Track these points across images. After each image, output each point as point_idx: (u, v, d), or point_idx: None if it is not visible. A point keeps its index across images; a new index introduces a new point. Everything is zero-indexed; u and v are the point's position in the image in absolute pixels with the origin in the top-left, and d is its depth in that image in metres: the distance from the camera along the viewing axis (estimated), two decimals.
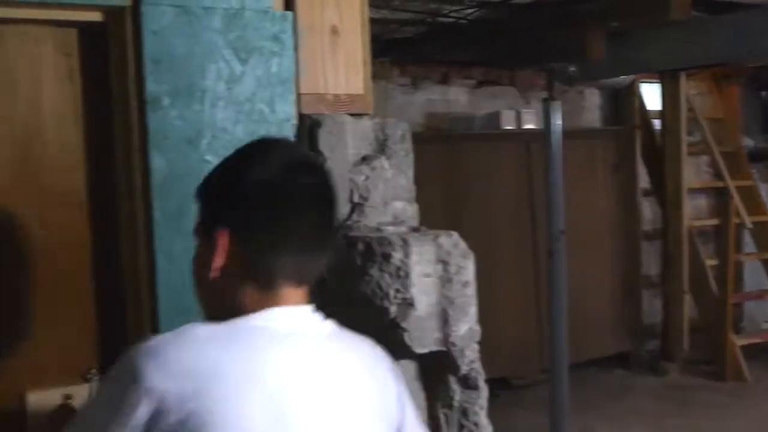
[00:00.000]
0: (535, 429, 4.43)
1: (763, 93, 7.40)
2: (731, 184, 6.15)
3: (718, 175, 6.50)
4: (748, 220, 5.96)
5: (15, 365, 1.70)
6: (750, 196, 6.37)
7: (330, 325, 1.21)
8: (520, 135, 5.61)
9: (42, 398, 1.68)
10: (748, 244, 6.61)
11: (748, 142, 7.17)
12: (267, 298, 1.13)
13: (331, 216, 1.20)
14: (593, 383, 5.80)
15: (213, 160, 1.68)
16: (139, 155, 1.66)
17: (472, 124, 5.75)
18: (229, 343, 1.07)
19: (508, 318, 5.34)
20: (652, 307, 6.45)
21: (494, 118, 5.63)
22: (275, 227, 1.14)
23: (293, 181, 1.15)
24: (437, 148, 5.29)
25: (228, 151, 1.68)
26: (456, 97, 5.97)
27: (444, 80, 5.88)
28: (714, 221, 6.46)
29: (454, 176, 5.39)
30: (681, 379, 5.92)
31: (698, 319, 6.12)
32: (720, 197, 6.58)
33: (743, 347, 5.64)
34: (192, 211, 1.64)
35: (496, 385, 5.25)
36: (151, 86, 1.64)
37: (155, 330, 1.64)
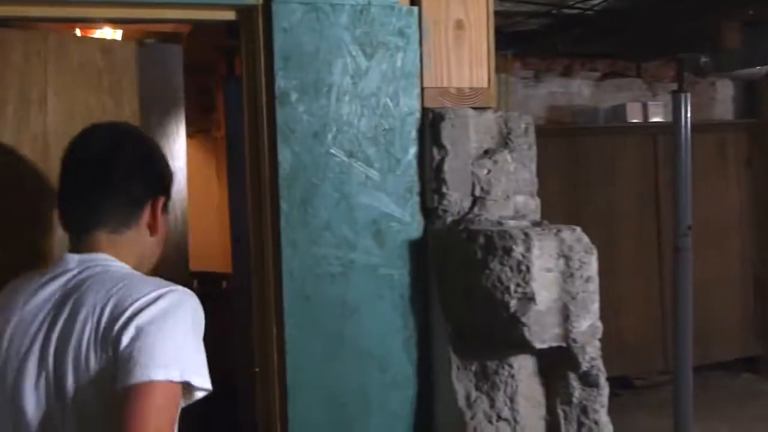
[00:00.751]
0: (656, 430, 4.31)
1: None
2: None
3: None
4: None
5: None
6: None
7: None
8: (646, 128, 5.46)
9: None
10: None
11: None
12: None
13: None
14: (718, 387, 5.58)
15: (338, 154, 1.73)
16: (268, 148, 1.72)
17: (596, 117, 5.63)
18: None
19: (630, 316, 5.21)
20: None
21: (619, 110, 5.50)
22: None
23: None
24: (559, 142, 5.21)
25: (353, 145, 1.75)
26: (579, 90, 5.86)
27: (567, 73, 5.78)
28: None
29: (576, 170, 5.31)
30: None
31: None
32: None
33: None
34: (317, 203, 1.71)
35: (617, 384, 5.14)
36: (281, 82, 1.70)
37: (279, 317, 1.70)
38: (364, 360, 1.72)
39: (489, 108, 1.85)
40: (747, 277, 5.91)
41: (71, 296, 1.33)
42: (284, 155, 1.70)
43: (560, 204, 5.06)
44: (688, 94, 3.87)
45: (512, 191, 1.76)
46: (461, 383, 1.60)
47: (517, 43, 5.00)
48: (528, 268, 1.51)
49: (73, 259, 1.39)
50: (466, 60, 1.88)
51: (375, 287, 1.73)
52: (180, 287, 1.33)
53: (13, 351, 1.33)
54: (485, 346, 1.61)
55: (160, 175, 1.50)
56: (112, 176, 1.43)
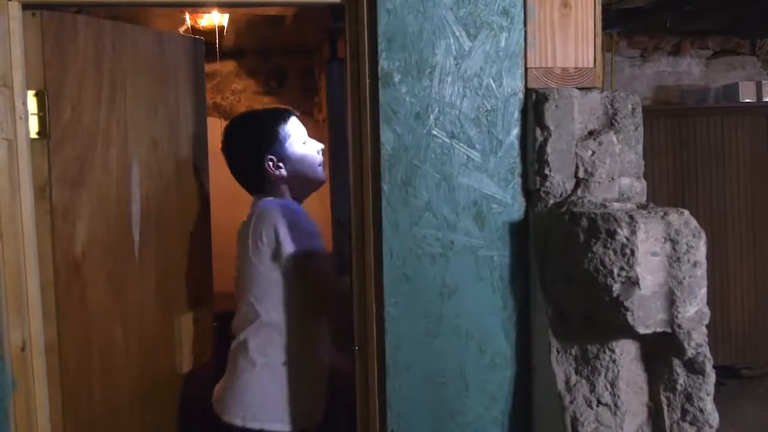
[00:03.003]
0: (763, 422, 4.16)
1: None
2: None
3: None
4: None
5: None
6: None
7: None
8: (759, 108, 5.22)
9: None
10: None
11: None
12: None
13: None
14: None
15: (440, 134, 1.74)
16: (371, 130, 1.74)
17: (706, 96, 5.43)
18: None
19: (739, 304, 5.03)
20: None
21: (731, 90, 5.28)
22: None
23: None
24: (667, 123, 5.05)
25: (454, 126, 1.75)
26: (688, 69, 5.66)
27: (676, 51, 5.59)
28: None
29: (684, 152, 5.14)
30: None
31: None
32: None
33: None
34: (418, 184, 1.72)
35: (723, 373, 4.98)
36: (384, 63, 1.72)
37: (379, 297, 1.73)
38: (462, 340, 1.73)
39: (595, 88, 1.81)
40: None
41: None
42: (386, 136, 1.72)
43: (667, 187, 4.92)
44: None
45: (617, 173, 1.73)
46: (561, 366, 1.59)
47: (623, 21, 4.86)
48: (632, 252, 1.48)
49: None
50: (572, 39, 1.84)
51: (475, 268, 1.74)
52: None
53: None
54: (586, 330, 1.59)
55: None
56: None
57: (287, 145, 2.22)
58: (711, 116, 5.19)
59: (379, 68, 1.72)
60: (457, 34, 1.76)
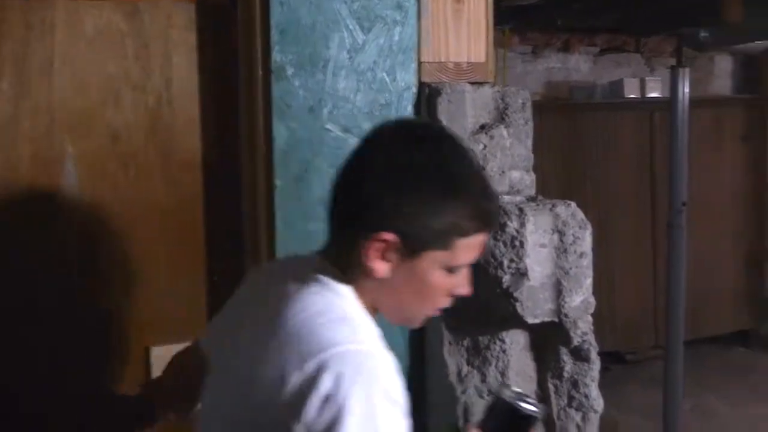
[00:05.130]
0: (647, 405, 4.35)
1: None
2: None
3: None
4: None
5: (140, 319, 1.81)
6: None
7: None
8: (643, 104, 5.45)
9: (165, 352, 1.76)
10: None
11: None
12: None
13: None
14: (711, 361, 5.62)
15: (333, 129, 1.73)
16: (263, 123, 1.72)
17: (594, 92, 5.62)
18: None
19: (623, 291, 5.23)
20: None
21: (617, 86, 5.49)
22: None
23: None
24: (557, 118, 5.20)
25: (349, 120, 1.74)
26: (577, 66, 5.84)
27: (565, 48, 5.76)
28: None
29: (573, 146, 5.30)
30: None
31: None
32: None
33: None
34: (311, 178, 1.71)
35: (609, 359, 5.17)
36: (277, 56, 1.70)
37: None
38: None
39: (486, 83, 1.85)
40: (740, 253, 5.94)
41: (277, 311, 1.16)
42: (279, 131, 1.70)
43: (557, 179, 5.07)
44: (687, 69, 3.85)
45: (508, 166, 1.76)
46: (453, 358, 1.61)
47: (515, 17, 4.97)
48: (522, 244, 1.52)
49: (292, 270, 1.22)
50: (465, 34, 1.87)
51: None
52: None
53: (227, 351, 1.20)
54: (478, 322, 1.63)
55: (393, 203, 1.16)
56: (349, 196, 1.19)
57: None
58: (598, 111, 5.38)
59: (272, 61, 1.70)
60: (351, 27, 1.76)
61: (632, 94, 5.44)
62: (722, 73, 6.33)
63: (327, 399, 0.98)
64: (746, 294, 5.91)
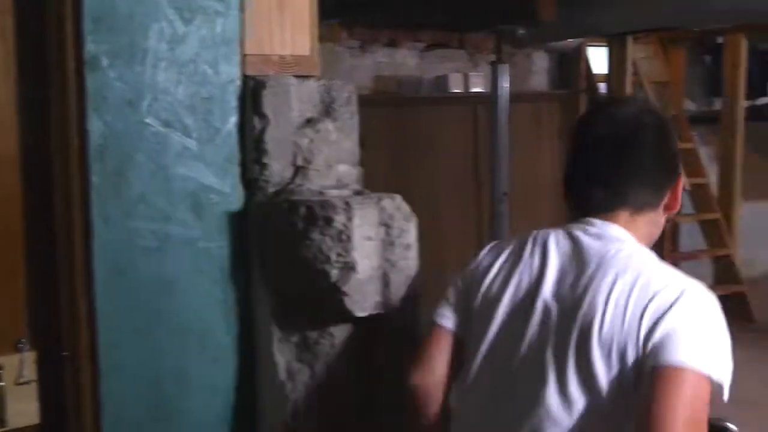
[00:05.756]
0: None
1: (707, 57, 7.52)
2: None
3: None
4: (687, 183, 6.10)
5: None
6: (690, 159, 6.51)
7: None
8: (467, 98, 5.64)
9: None
10: (686, 205, 6.77)
11: (689, 106, 7.31)
12: None
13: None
14: None
15: (153, 123, 1.66)
16: (77, 117, 1.62)
17: (420, 87, 5.75)
18: None
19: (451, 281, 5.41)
20: None
21: (442, 81, 5.64)
22: None
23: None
24: (385, 112, 5.29)
25: (169, 114, 1.68)
26: (404, 60, 5.96)
27: (392, 43, 5.86)
28: None
29: (402, 139, 5.41)
30: None
31: None
32: None
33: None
34: (131, 174, 1.63)
35: None
36: (90, 46, 1.60)
37: (89, 295, 1.62)
38: (182, 336, 1.68)
39: (312, 76, 1.83)
40: None
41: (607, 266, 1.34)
42: (95, 124, 1.61)
43: (387, 172, 5.15)
44: (506, 65, 4.03)
45: (334, 161, 1.76)
46: (282, 355, 1.59)
47: (344, 12, 5.00)
48: (349, 238, 1.52)
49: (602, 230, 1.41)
50: (289, 27, 1.84)
51: (193, 261, 1.68)
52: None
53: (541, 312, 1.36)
54: (308, 318, 1.61)
55: (678, 154, 1.51)
56: (642, 162, 1.43)
57: None
58: (425, 105, 5.51)
59: (86, 51, 1.60)
60: (171, 17, 1.69)
61: (457, 89, 5.62)
62: (539, 69, 6.67)
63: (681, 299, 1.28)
64: None
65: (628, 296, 1.28)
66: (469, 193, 5.68)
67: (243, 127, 1.75)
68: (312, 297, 1.59)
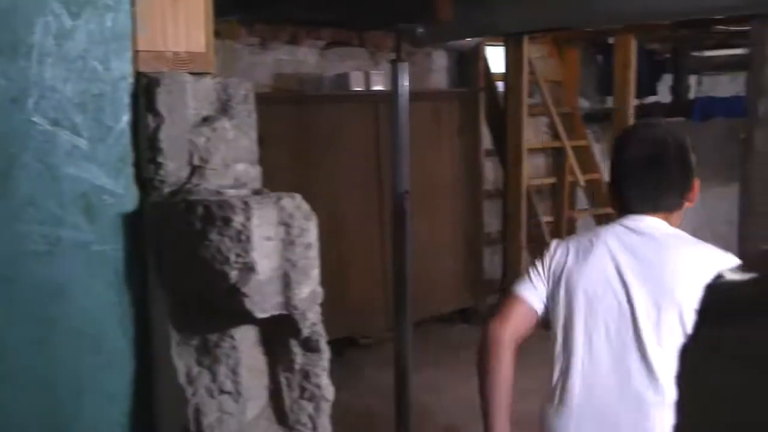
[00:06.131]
0: (381, 385, 4.54)
1: (599, 57, 7.79)
2: (567, 144, 6.47)
3: (555, 136, 6.82)
4: (581, 179, 6.30)
5: None
6: (584, 156, 6.73)
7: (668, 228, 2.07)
8: (368, 96, 5.66)
9: None
10: (581, 201, 7.00)
11: (583, 104, 7.55)
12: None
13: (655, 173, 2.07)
14: (438, 338, 6.01)
15: (41, 122, 1.59)
16: None
17: (321, 85, 5.75)
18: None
19: (355, 278, 5.42)
20: (493, 263, 6.73)
21: (343, 79, 5.65)
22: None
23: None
24: (286, 110, 5.25)
25: (58, 112, 1.61)
26: (305, 58, 5.93)
27: (293, 41, 5.83)
28: (551, 180, 6.78)
29: (303, 138, 5.38)
30: None
31: None
32: (557, 157, 6.91)
33: None
34: (17, 175, 1.56)
35: (343, 344, 5.33)
36: None
37: None
38: (76, 342, 1.62)
39: (208, 74, 1.79)
40: (461, 237, 6.38)
41: (667, 248, 1.97)
42: None
43: (288, 171, 5.11)
44: (406, 64, 4.05)
45: (232, 159, 1.73)
46: (181, 359, 1.56)
47: (243, 9, 4.94)
48: (248, 238, 1.49)
49: (652, 225, 2.03)
50: (183, 23, 1.80)
51: (86, 265, 1.63)
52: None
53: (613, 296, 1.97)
54: (207, 320, 1.58)
55: (693, 164, 2.04)
56: (669, 173, 2.03)
57: None
58: (326, 103, 5.51)
59: None
60: (57, 11, 1.62)
61: (358, 87, 5.64)
62: (439, 68, 6.76)
63: None
64: (467, 275, 6.37)
65: (692, 263, 1.87)
66: (370, 191, 5.71)
67: (136, 125, 1.70)
68: (211, 299, 1.56)
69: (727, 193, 7.72)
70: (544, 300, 2.14)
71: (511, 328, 2.12)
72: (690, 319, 1.72)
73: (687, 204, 2.05)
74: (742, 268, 1.00)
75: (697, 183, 2.08)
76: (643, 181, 2.05)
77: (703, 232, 8.59)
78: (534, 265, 2.18)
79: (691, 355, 0.73)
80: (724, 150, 7.55)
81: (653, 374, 1.86)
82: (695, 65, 7.60)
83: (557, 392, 2.10)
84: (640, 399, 1.87)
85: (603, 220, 6.95)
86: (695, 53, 7.54)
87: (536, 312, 2.16)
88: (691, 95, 7.57)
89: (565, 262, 2.06)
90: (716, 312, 0.72)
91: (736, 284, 0.72)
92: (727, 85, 7.97)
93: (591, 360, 1.94)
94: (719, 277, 0.76)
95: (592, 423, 1.95)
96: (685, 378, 0.73)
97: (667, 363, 1.77)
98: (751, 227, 4.12)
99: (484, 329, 2.14)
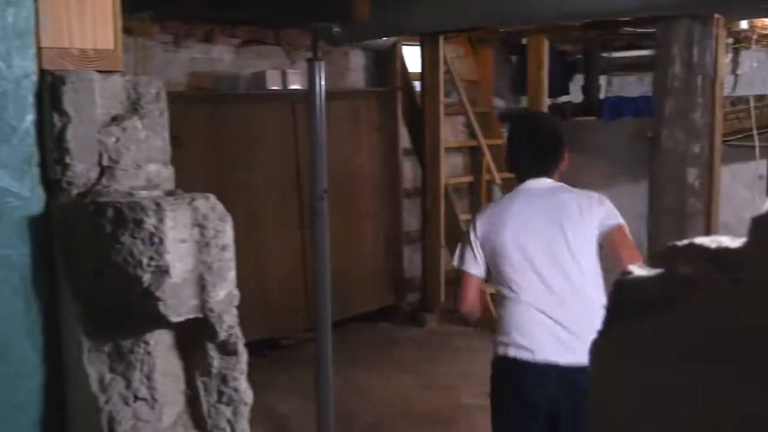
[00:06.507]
0: (303, 386, 4.51)
1: (513, 57, 7.91)
2: (484, 143, 6.55)
3: (472, 135, 6.91)
4: (498, 177, 6.39)
5: None
6: (500, 154, 6.82)
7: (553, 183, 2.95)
8: (285, 95, 5.61)
9: None
10: (498, 197, 7.09)
11: (498, 103, 7.66)
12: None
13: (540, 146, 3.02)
14: (359, 338, 6.01)
15: None
16: None
17: (238, 83, 5.67)
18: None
19: (275, 279, 5.37)
20: (413, 262, 6.76)
21: (259, 78, 5.59)
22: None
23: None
24: (201, 109, 5.16)
25: None
26: (221, 56, 5.84)
27: (208, 38, 5.73)
28: (468, 178, 6.86)
29: (219, 137, 5.30)
30: (439, 328, 6.29)
31: (453, 271, 6.51)
32: (474, 155, 6.99)
33: (492, 295, 6.02)
34: None
35: (264, 345, 5.27)
36: None
37: None
38: None
39: (116, 72, 1.74)
40: (381, 236, 6.39)
41: (555, 198, 2.86)
42: None
43: (205, 171, 5.03)
44: (322, 63, 4.03)
45: (144, 160, 1.68)
46: (93, 366, 1.50)
47: (154, 5, 4.82)
48: (161, 240, 1.45)
49: (543, 184, 2.93)
50: (90, 19, 1.74)
51: None
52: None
53: (532, 232, 2.84)
54: (119, 325, 1.53)
55: (563, 141, 3.00)
56: (547, 149, 2.95)
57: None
58: (243, 102, 5.44)
59: None
60: None
61: (274, 86, 5.58)
62: (356, 67, 6.75)
63: (601, 201, 2.83)
64: (388, 274, 6.39)
65: (581, 203, 2.82)
66: (290, 191, 5.66)
67: (42, 125, 1.63)
68: (124, 303, 1.51)
69: (637, 189, 7.98)
70: (485, 263, 2.93)
71: (472, 297, 2.98)
72: (570, 224, 2.81)
73: (561, 169, 2.99)
74: (650, 264, 1.02)
75: (567, 155, 3.00)
76: (530, 156, 2.95)
77: None
78: (468, 241, 2.95)
79: (600, 351, 0.74)
80: (633, 148, 7.79)
81: (572, 253, 2.79)
82: (605, 66, 7.80)
83: (505, 298, 2.90)
84: (567, 275, 2.78)
85: None
86: (605, 54, 7.74)
87: (482, 275, 2.97)
88: (602, 95, 7.77)
89: (489, 227, 2.90)
90: (624, 308, 0.73)
91: (644, 280, 0.73)
92: (635, 86, 8.21)
93: (532, 273, 2.83)
94: (627, 273, 0.79)
95: (529, 307, 2.81)
96: (595, 374, 0.74)
97: (575, 247, 2.80)
98: (659, 223, 4.26)
99: (458, 308, 3.15)
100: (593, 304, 2.66)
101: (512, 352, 2.77)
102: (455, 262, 2.99)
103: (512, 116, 5.38)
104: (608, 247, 2.76)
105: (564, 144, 2.97)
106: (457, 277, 3.05)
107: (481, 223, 2.89)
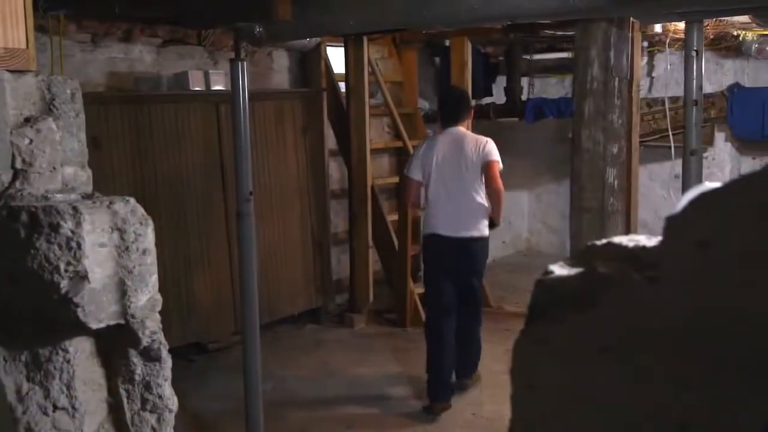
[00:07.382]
0: (231, 389, 4.45)
1: (436, 59, 7.97)
2: (409, 144, 6.59)
3: (397, 135, 6.93)
4: None
5: None
6: None
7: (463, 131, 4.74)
8: (209, 96, 5.53)
9: None
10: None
11: (423, 105, 7.71)
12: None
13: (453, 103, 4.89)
14: (287, 340, 5.96)
15: None
16: None
17: (159, 84, 5.55)
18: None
19: (201, 282, 5.28)
20: (341, 263, 6.75)
21: (182, 78, 5.49)
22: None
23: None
24: (121, 110, 5.04)
25: None
26: (141, 56, 5.71)
27: (127, 38, 5.59)
28: (394, 179, 6.88)
29: (141, 138, 5.18)
30: (367, 329, 6.29)
31: (382, 271, 6.52)
32: (399, 156, 7.02)
33: (420, 295, 6.08)
34: None
35: (192, 350, 5.18)
36: None
37: None
38: None
39: (29, 71, 1.69)
40: (307, 238, 6.35)
41: (462, 139, 4.60)
42: None
43: (126, 174, 4.92)
44: (245, 63, 3.98)
45: (59, 162, 1.64)
46: (10, 376, 1.45)
47: (70, 4, 4.69)
48: (79, 245, 1.41)
49: (456, 130, 4.66)
50: None
51: None
52: None
53: (446, 160, 4.57)
54: (36, 333, 1.48)
55: (470, 101, 5.11)
56: (460, 105, 4.73)
57: None
58: (165, 103, 5.33)
59: None
60: None
61: (197, 87, 5.49)
62: (280, 68, 6.70)
63: (488, 142, 4.65)
64: (314, 275, 6.36)
65: (476, 144, 4.54)
66: (215, 193, 5.58)
67: None
68: (41, 310, 1.46)
69: (559, 189, 8.15)
70: (422, 175, 4.61)
71: (414, 196, 4.81)
72: (468, 156, 4.54)
73: (468, 120, 4.78)
74: (571, 264, 1.04)
75: (472, 111, 4.90)
76: (451, 110, 4.70)
77: (538, 224, 8.98)
78: (414, 158, 4.72)
79: (521, 348, 0.75)
80: (555, 148, 7.95)
81: (468, 173, 4.49)
82: (527, 68, 7.93)
83: (428, 200, 4.65)
84: (464, 187, 4.54)
85: None
86: (527, 57, 7.87)
87: (421, 182, 4.64)
88: (524, 97, 7.90)
89: (424, 153, 4.63)
90: (544, 306, 0.74)
91: (563, 279, 0.74)
92: (556, 87, 8.38)
93: (444, 185, 4.54)
94: (548, 272, 0.80)
95: (443, 210, 4.55)
96: (516, 371, 0.75)
97: (470, 169, 4.53)
98: (580, 222, 4.36)
99: (402, 203, 5.61)
100: (475, 204, 4.54)
101: (429, 230, 4.63)
102: (405, 170, 4.79)
103: (441, 89, 6.94)
104: (484, 172, 4.50)
105: (470, 105, 4.93)
106: (402, 183, 5.01)
107: (421, 151, 4.70)
